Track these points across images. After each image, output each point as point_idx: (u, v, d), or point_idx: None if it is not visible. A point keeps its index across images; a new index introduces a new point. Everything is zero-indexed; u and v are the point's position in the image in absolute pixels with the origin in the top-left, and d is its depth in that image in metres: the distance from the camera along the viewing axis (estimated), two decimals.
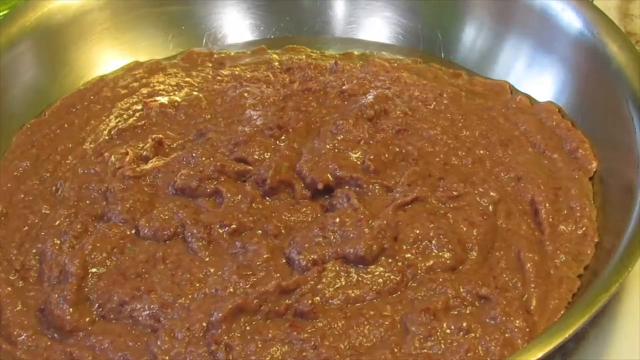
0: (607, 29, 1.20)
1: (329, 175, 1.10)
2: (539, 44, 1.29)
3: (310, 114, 1.24)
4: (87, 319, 0.98)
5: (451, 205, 1.08)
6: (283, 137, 1.18)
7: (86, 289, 1.01)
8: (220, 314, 0.93)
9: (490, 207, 1.08)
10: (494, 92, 1.30)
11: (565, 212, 1.08)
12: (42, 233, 1.09)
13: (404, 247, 1.02)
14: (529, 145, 1.19)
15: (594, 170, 1.14)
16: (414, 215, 1.05)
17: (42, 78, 1.33)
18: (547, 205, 1.08)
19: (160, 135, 1.21)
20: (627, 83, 1.12)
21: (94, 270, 1.03)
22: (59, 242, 1.06)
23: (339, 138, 1.16)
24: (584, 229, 1.06)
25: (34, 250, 1.07)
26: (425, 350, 0.91)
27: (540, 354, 0.82)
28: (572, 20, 1.24)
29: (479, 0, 1.36)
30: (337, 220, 1.04)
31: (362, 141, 1.16)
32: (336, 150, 1.14)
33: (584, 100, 1.22)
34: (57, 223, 1.09)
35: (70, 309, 0.97)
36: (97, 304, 0.99)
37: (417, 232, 1.03)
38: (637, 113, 1.08)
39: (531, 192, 1.10)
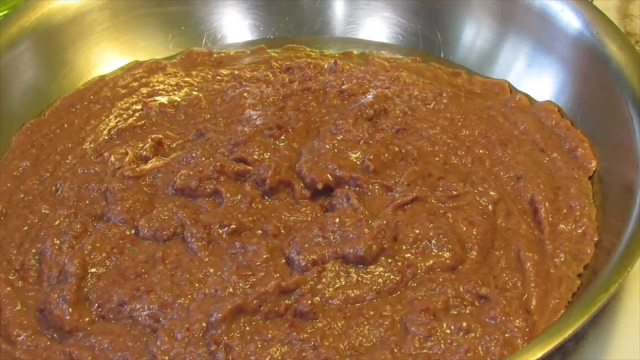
0: (606, 29, 1.20)
1: (328, 175, 1.10)
2: (538, 44, 1.29)
3: (310, 113, 1.23)
4: (87, 319, 0.98)
5: (451, 205, 1.07)
6: (282, 137, 1.17)
7: (85, 289, 1.01)
8: (219, 314, 0.93)
9: (490, 207, 1.08)
10: (493, 91, 1.30)
11: (565, 211, 1.08)
12: (42, 233, 1.09)
13: (404, 247, 1.02)
14: (528, 144, 1.18)
15: (594, 169, 1.14)
16: (414, 215, 1.05)
17: (42, 78, 1.33)
18: (546, 204, 1.08)
19: (160, 135, 1.21)
20: (626, 83, 1.12)
21: (93, 270, 1.03)
22: (58, 242, 1.06)
23: (339, 138, 1.16)
24: (583, 228, 1.06)
25: (33, 250, 1.07)
26: (425, 351, 0.91)
27: (540, 354, 0.82)
28: (571, 20, 1.24)
29: (478, 0, 1.36)
30: (337, 220, 1.04)
31: (362, 141, 1.16)
32: (336, 150, 1.14)
33: (583, 100, 1.22)
34: (56, 223, 1.09)
35: (70, 309, 0.97)
36: (96, 304, 0.99)
37: (417, 231, 1.03)
38: (636, 113, 1.08)
39: (531, 192, 1.10)
